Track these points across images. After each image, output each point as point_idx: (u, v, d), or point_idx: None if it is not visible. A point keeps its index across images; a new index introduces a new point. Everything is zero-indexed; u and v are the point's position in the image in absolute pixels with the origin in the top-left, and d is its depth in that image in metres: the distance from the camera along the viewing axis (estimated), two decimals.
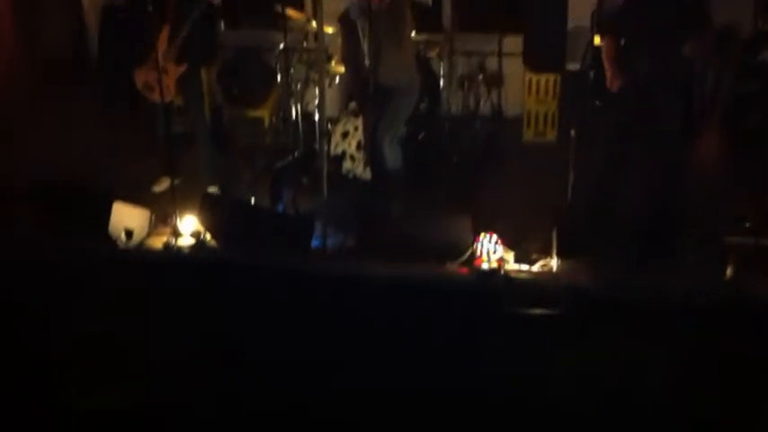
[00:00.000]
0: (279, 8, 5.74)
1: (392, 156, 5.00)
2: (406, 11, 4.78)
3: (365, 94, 4.89)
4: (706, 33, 4.59)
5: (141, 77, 5.25)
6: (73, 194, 4.81)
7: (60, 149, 6.03)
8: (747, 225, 4.48)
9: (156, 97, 5.15)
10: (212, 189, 5.27)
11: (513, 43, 6.70)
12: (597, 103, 4.77)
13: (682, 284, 3.82)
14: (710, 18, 4.57)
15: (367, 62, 4.74)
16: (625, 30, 4.64)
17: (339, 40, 5.24)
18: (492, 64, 6.83)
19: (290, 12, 5.91)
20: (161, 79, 4.86)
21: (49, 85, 7.26)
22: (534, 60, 6.50)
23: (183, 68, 5.18)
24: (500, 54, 6.65)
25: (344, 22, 4.91)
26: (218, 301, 4.03)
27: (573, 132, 4.68)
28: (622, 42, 4.62)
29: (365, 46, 4.74)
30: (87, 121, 6.53)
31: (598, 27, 4.79)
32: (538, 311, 3.78)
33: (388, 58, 4.73)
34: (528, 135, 6.58)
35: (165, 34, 5.10)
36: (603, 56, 4.70)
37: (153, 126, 5.40)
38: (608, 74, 4.62)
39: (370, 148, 5.24)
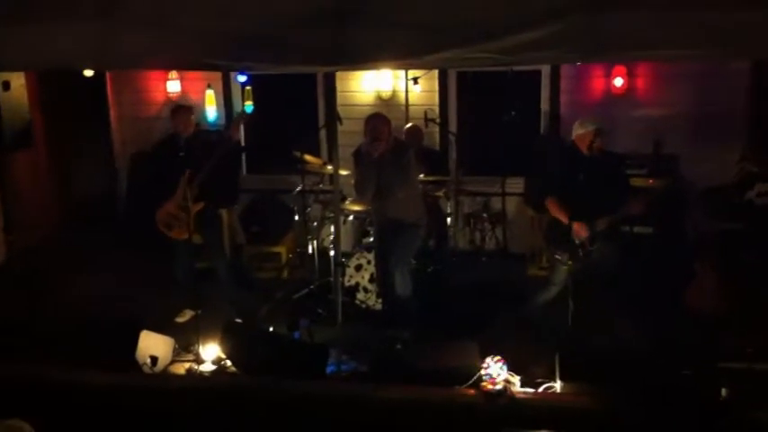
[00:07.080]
0: (298, 154, 6.28)
1: (403, 286, 5.35)
2: (410, 154, 5.28)
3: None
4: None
5: (161, 216, 5.59)
6: (102, 324, 5.13)
7: (91, 283, 6.44)
8: (749, 351, 4.69)
9: (173, 235, 5.51)
10: (234, 319, 5.54)
11: (516, 184, 7.21)
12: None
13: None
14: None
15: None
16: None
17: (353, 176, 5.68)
18: (496, 203, 7.31)
19: (308, 157, 6.43)
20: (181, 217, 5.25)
21: (81, 223, 7.78)
22: (535, 201, 6.93)
23: (199, 207, 5.47)
24: (503, 194, 7.12)
25: (357, 156, 5.39)
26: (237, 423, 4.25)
27: (570, 265, 5.02)
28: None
29: (373, 181, 5.22)
30: (116, 257, 6.97)
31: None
32: None
33: (396, 195, 5.20)
34: (532, 269, 6.90)
35: (186, 177, 5.43)
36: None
37: (177, 262, 5.73)
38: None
39: (382, 279, 5.58)
